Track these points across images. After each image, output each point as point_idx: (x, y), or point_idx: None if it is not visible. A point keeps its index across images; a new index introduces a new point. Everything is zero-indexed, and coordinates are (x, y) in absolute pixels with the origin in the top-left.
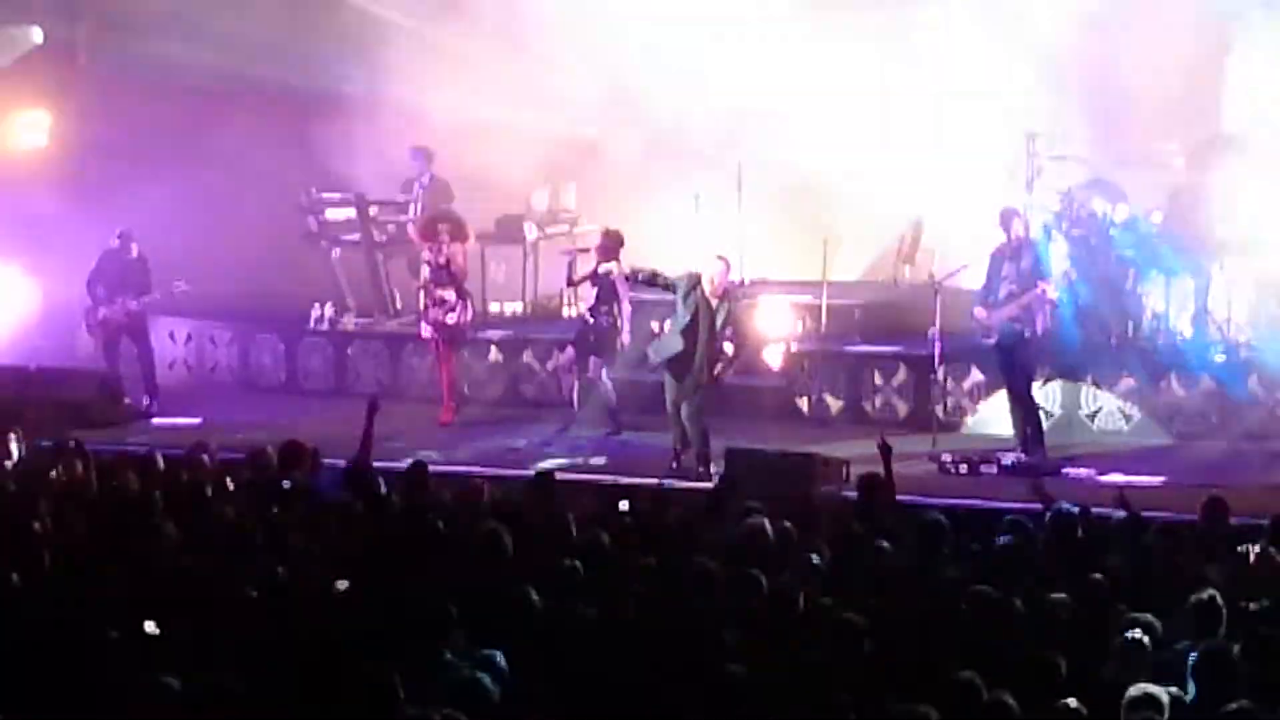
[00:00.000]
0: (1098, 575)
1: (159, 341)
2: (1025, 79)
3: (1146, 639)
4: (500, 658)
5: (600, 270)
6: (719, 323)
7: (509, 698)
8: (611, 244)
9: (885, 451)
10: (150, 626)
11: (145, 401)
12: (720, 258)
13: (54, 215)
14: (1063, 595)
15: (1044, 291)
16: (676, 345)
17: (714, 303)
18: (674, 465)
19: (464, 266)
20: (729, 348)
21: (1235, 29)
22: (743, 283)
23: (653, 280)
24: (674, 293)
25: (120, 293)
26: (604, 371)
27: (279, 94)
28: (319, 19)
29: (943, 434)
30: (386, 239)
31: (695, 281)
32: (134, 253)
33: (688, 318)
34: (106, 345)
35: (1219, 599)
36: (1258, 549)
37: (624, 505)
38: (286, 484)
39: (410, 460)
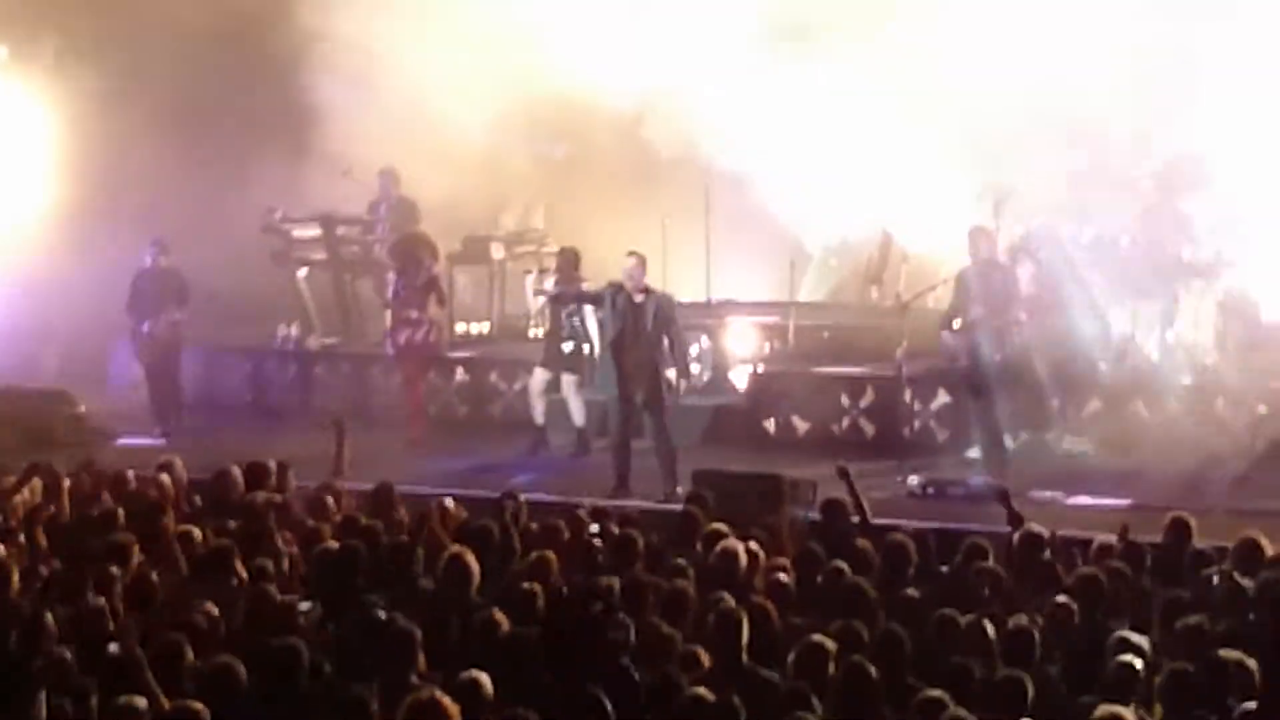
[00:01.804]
0: (1063, 598)
1: (125, 363)
2: (995, 100)
3: (1139, 663)
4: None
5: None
6: (649, 320)
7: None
8: (567, 263)
9: (844, 476)
10: (114, 648)
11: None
12: (632, 253)
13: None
14: (1028, 617)
15: (1012, 313)
16: (613, 368)
17: (638, 299)
18: (616, 491)
19: (442, 290)
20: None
21: (1203, 49)
22: (710, 303)
23: (580, 298)
24: (600, 306)
25: (161, 307)
26: (572, 391)
27: (242, 110)
28: (275, 38)
29: (910, 456)
30: (353, 259)
31: (618, 287)
32: (166, 263)
33: (619, 326)
34: (150, 369)
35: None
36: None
37: (594, 528)
38: (252, 502)
39: (376, 481)
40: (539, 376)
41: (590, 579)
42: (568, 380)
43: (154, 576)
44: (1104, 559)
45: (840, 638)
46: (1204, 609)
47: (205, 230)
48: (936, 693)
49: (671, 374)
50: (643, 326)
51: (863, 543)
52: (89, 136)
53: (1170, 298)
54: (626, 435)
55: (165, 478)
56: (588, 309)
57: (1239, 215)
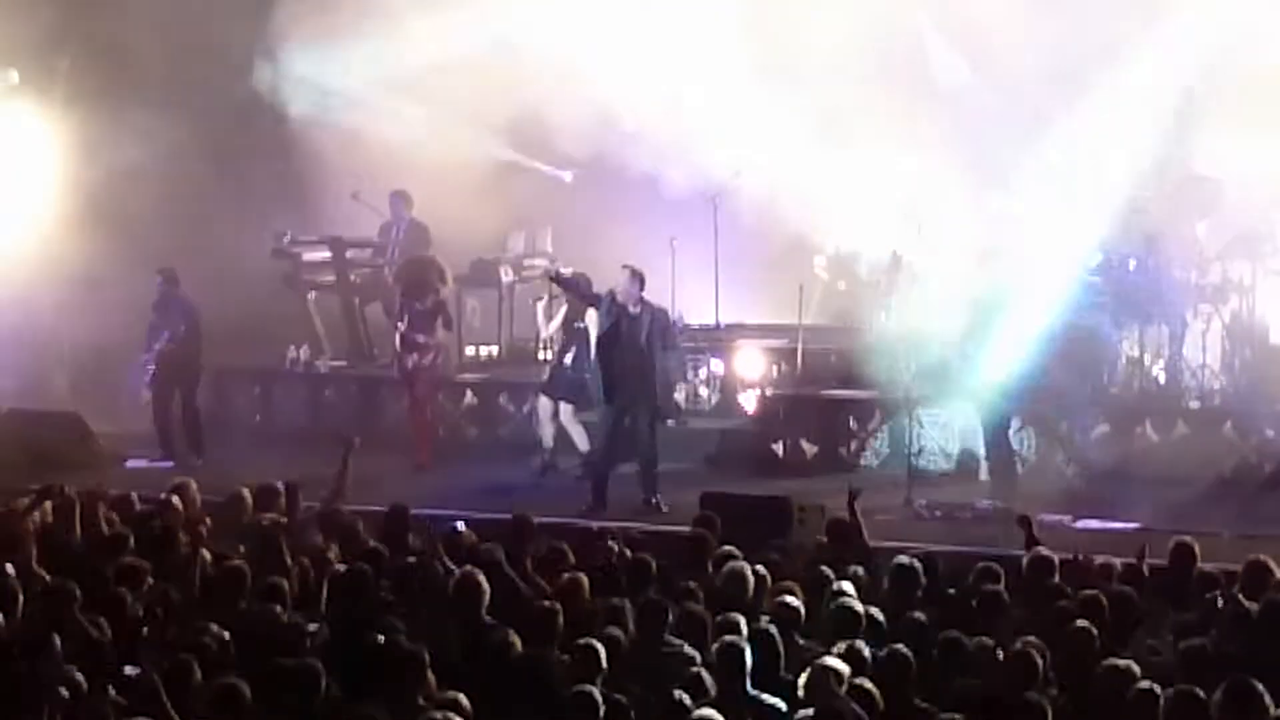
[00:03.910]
0: (1080, 622)
1: (136, 388)
2: (999, 123)
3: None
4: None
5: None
6: (643, 332)
7: None
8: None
9: (851, 497)
10: (130, 670)
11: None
12: (625, 267)
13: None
14: (1039, 640)
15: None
16: (602, 373)
17: (633, 310)
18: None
19: (451, 314)
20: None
21: (1200, 70)
22: (719, 326)
23: (580, 292)
24: (598, 308)
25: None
26: (570, 419)
27: (254, 132)
28: None
29: (918, 479)
30: (362, 282)
31: (611, 296)
32: (172, 293)
33: (612, 332)
34: (155, 394)
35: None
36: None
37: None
38: (263, 525)
39: (386, 504)
40: (545, 401)
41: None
42: (565, 409)
43: (169, 597)
44: (1110, 581)
45: (846, 659)
46: (1209, 632)
47: (215, 253)
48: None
49: (678, 394)
50: (635, 337)
51: (865, 567)
52: (99, 160)
53: (1178, 321)
54: (611, 452)
55: (178, 500)
56: (591, 329)
57: (1248, 237)
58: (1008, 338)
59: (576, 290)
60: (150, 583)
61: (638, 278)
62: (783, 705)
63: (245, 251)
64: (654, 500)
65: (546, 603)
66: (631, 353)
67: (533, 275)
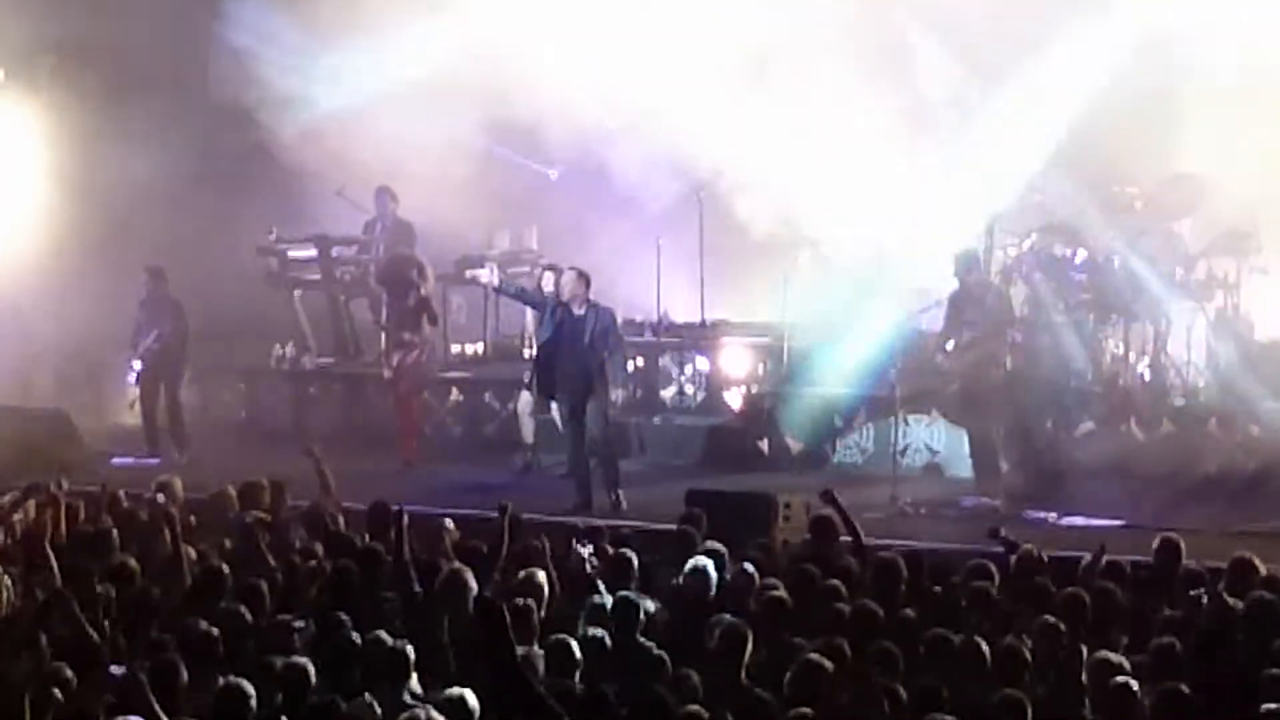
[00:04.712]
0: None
1: (120, 382)
2: (987, 122)
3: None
4: (467, 696)
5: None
6: (586, 333)
7: None
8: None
9: (831, 500)
10: (117, 670)
11: (149, 449)
12: (572, 268)
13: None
14: (1022, 638)
15: (1006, 335)
16: (544, 373)
17: (578, 311)
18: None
19: (436, 310)
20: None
21: (1185, 67)
22: (704, 324)
23: (520, 296)
24: (540, 310)
25: (152, 333)
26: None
27: (239, 131)
28: None
29: (903, 477)
30: (348, 279)
31: (556, 298)
32: (159, 291)
33: (554, 334)
34: (141, 391)
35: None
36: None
37: (587, 550)
38: (247, 522)
39: (370, 501)
40: (526, 397)
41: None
42: (552, 404)
43: (153, 595)
44: (1092, 579)
45: (831, 656)
46: (1193, 628)
47: (200, 251)
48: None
49: (616, 394)
50: (579, 338)
51: (853, 562)
52: (84, 159)
53: (1163, 319)
54: (577, 450)
55: (163, 497)
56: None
57: (1231, 234)
58: (989, 333)
59: (520, 297)
60: (138, 579)
61: (583, 279)
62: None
63: (230, 249)
64: (614, 497)
65: (520, 600)
66: (574, 353)
67: (518, 273)
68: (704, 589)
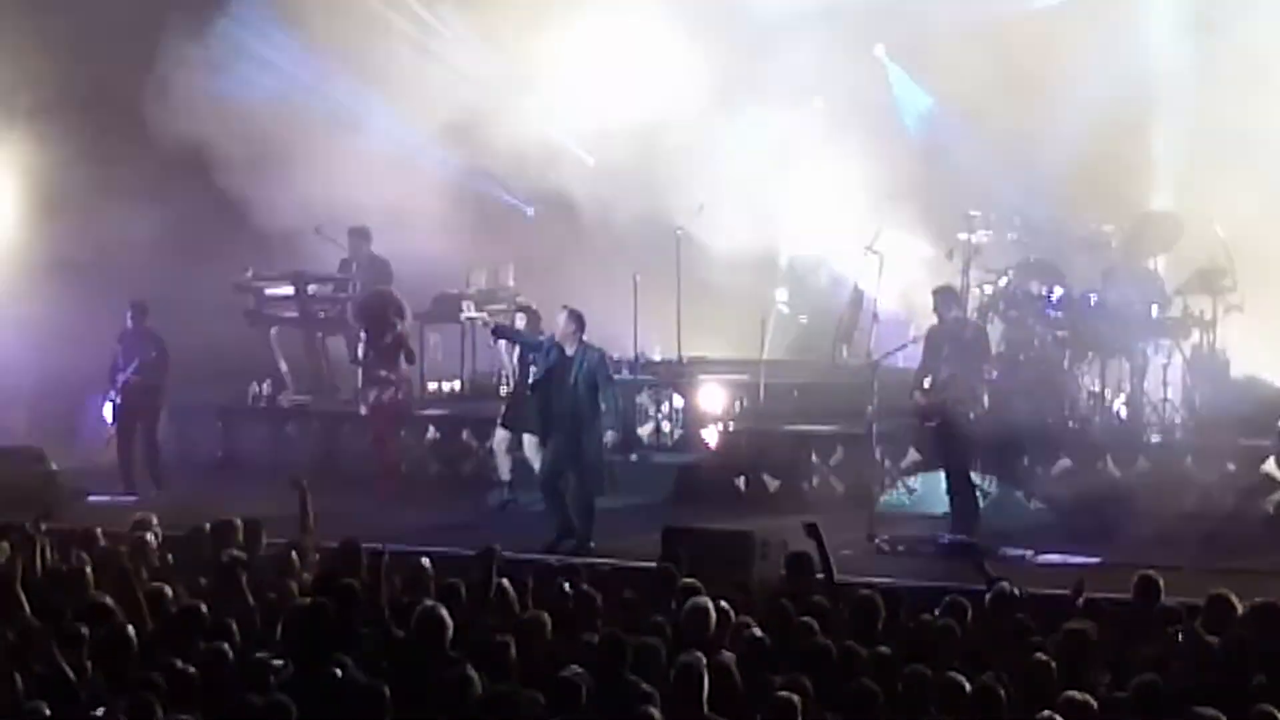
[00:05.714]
0: (1039, 655)
1: (97, 422)
2: (960, 158)
3: None
4: None
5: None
6: (573, 373)
7: None
8: (532, 322)
9: (814, 534)
10: (99, 712)
11: (124, 485)
12: (564, 308)
13: None
14: (999, 675)
15: (983, 371)
16: (535, 409)
17: (569, 351)
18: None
19: (412, 347)
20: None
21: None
22: (681, 361)
23: (517, 338)
24: (536, 351)
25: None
26: (533, 451)
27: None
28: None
29: (880, 514)
30: (325, 317)
31: (552, 339)
32: (145, 325)
33: (545, 373)
34: (119, 426)
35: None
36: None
37: (566, 586)
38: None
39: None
40: (501, 433)
41: None
42: (529, 441)
43: (130, 633)
44: (1071, 617)
45: (807, 694)
46: (1170, 666)
47: (177, 288)
48: None
49: (609, 435)
50: (566, 378)
51: (828, 599)
52: (60, 195)
53: (1139, 355)
54: (553, 489)
55: (140, 535)
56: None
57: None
58: (967, 369)
59: (518, 340)
60: (113, 618)
61: (574, 318)
62: None
63: (207, 287)
64: (585, 538)
65: (499, 637)
66: (563, 392)
67: (495, 310)
68: (704, 628)
